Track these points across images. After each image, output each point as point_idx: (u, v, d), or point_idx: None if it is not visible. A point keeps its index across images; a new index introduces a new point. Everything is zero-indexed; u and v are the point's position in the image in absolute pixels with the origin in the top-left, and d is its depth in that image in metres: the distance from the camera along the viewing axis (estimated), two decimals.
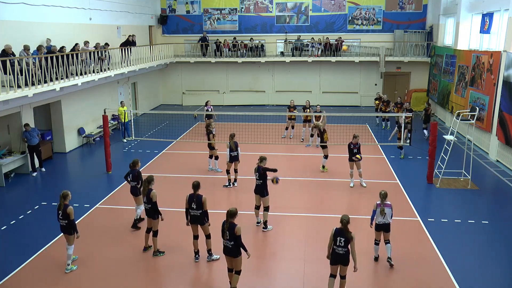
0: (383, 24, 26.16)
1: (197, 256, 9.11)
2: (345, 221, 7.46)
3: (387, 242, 8.87)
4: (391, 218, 8.81)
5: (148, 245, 9.48)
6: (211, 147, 14.58)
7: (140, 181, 10.43)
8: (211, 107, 19.74)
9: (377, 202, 8.78)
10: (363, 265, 8.93)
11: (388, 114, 19.73)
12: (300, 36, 26.26)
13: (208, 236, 9.03)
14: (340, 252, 7.51)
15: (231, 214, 7.73)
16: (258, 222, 10.61)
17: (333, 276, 7.68)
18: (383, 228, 8.81)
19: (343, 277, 7.66)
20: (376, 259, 9.09)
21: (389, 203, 8.79)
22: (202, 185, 13.24)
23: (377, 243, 8.99)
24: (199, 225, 8.97)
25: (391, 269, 8.76)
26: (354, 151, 13.02)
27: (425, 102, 22.95)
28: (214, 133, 14.56)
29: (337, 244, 7.49)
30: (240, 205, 11.72)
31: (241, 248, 7.69)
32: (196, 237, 9.08)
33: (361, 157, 12.98)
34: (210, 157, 14.76)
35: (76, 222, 8.90)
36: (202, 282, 8.53)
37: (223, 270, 8.43)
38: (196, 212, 8.82)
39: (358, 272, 8.01)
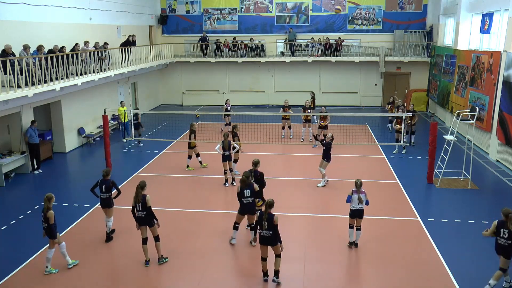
0: (383, 24, 26.16)
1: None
2: (510, 214, 7.60)
3: (358, 228, 9.46)
4: (366, 203, 9.38)
5: (148, 257, 8.98)
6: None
7: (116, 190, 9.94)
8: (230, 105, 19.63)
9: (353, 189, 9.36)
10: (361, 264, 8.94)
11: (389, 114, 19.62)
12: (292, 29, 26.21)
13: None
14: (503, 244, 7.72)
15: (270, 204, 8.06)
16: (248, 226, 10.54)
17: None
18: (357, 214, 9.37)
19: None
20: (351, 244, 9.53)
21: (363, 190, 9.36)
22: (202, 185, 13.42)
23: (351, 226, 9.51)
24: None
25: (391, 269, 8.75)
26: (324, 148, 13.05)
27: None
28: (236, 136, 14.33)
29: (501, 235, 7.74)
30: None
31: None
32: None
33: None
34: (235, 161, 14.16)
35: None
36: (206, 281, 8.52)
37: (224, 270, 8.42)
38: (249, 199, 9.51)
39: (356, 271, 8.01)
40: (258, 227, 8.13)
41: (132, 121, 16.86)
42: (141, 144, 18.03)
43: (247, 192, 9.43)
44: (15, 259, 9.18)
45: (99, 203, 10.17)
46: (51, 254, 8.63)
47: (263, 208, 8.13)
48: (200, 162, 15.00)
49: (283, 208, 11.65)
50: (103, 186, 9.85)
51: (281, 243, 8.10)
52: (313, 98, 20.73)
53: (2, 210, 11.80)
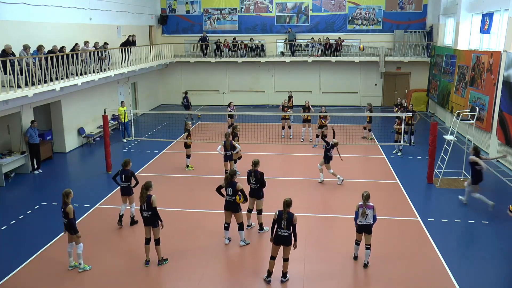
0: (383, 24, 26.16)
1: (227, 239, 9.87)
2: None
3: (367, 247, 8.72)
4: (374, 220, 8.64)
5: (149, 258, 9.04)
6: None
7: (134, 180, 10.51)
8: (234, 107, 19.70)
9: (359, 203, 8.65)
10: (361, 264, 8.93)
11: (389, 114, 19.56)
12: (291, 29, 26.25)
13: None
14: None
15: (288, 204, 8.08)
16: (249, 226, 10.52)
17: None
18: (364, 229, 8.67)
19: None
20: (356, 257, 9.05)
21: (372, 204, 8.63)
22: (202, 185, 13.42)
23: (357, 243, 8.95)
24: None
25: (391, 269, 8.75)
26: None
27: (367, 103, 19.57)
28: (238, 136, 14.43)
29: None
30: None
31: (293, 237, 8.05)
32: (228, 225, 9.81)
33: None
34: (235, 161, 14.13)
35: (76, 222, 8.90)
36: (206, 281, 8.51)
37: (224, 270, 8.40)
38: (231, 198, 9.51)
39: (356, 271, 7.98)
40: (276, 226, 8.08)
41: (183, 102, 21.88)
42: (193, 121, 21.58)
43: (229, 191, 9.52)
44: (15, 259, 9.18)
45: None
46: (81, 249, 8.72)
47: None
48: (187, 165, 14.98)
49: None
50: (123, 176, 10.41)
51: (296, 242, 8.10)
52: (291, 98, 20.95)
53: (2, 210, 11.79)
